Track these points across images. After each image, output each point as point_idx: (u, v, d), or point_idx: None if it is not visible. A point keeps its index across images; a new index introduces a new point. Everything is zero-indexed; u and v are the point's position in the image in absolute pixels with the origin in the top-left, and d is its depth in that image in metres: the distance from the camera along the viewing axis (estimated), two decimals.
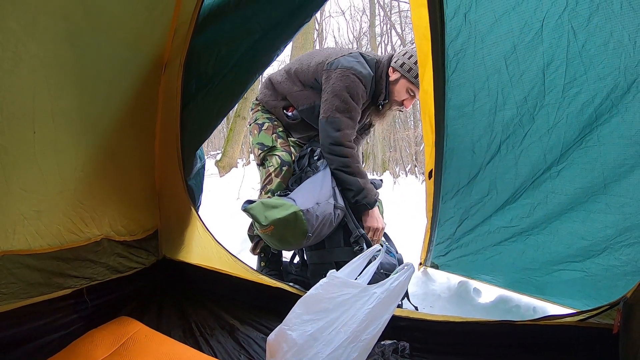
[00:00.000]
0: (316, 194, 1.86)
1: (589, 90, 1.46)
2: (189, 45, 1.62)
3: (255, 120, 2.30)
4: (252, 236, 2.31)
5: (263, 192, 2.26)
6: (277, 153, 2.19)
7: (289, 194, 1.91)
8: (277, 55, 1.64)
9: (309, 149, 2.17)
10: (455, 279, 2.34)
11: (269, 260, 2.25)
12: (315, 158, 2.10)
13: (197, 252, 2.00)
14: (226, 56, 1.64)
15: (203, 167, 1.92)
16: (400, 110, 2.32)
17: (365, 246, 1.89)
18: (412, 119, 17.62)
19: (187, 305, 1.87)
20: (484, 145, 1.81)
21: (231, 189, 5.76)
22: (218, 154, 10.27)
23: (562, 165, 1.64)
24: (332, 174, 2.02)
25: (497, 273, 2.13)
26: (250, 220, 2.32)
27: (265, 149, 2.27)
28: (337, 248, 1.96)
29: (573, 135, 1.56)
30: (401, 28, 17.38)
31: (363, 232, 1.93)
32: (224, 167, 7.74)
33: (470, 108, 1.75)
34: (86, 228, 1.59)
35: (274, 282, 1.82)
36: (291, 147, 2.31)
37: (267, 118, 2.28)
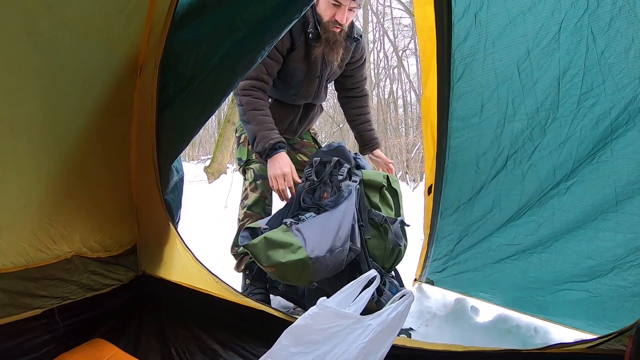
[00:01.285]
0: (332, 237, 1.58)
1: (606, 102, 1.33)
2: (165, 44, 1.43)
3: (235, 132, 2.24)
4: (235, 255, 2.15)
5: (240, 208, 2.15)
6: (251, 166, 2.08)
7: (300, 219, 1.67)
8: (263, 56, 1.44)
9: (337, 160, 1.88)
10: (451, 295, 2.17)
11: (255, 277, 2.06)
12: (340, 178, 1.82)
13: (177, 269, 1.82)
14: (207, 56, 1.45)
15: (181, 180, 1.74)
16: (338, 28, 1.99)
17: (376, 294, 1.66)
18: (403, 126, 17.63)
19: (167, 326, 1.69)
20: (490, 159, 1.65)
21: (219, 196, 5.52)
22: (208, 159, 10.13)
23: (571, 181, 1.51)
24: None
25: (497, 291, 1.97)
26: (232, 238, 2.18)
27: (242, 163, 2.20)
28: (340, 282, 1.69)
29: (586, 150, 1.42)
30: (394, 35, 17.44)
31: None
32: (212, 173, 7.56)
33: (476, 119, 1.59)
34: (54, 245, 1.42)
35: (258, 305, 1.65)
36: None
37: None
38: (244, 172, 2.18)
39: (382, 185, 1.84)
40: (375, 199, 1.85)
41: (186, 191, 1.81)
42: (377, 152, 2.40)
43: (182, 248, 1.75)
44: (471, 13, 1.41)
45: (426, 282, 2.30)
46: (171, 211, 1.69)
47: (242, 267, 2.09)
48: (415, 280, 2.34)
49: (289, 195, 1.92)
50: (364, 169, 1.92)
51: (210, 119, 1.62)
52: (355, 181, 1.81)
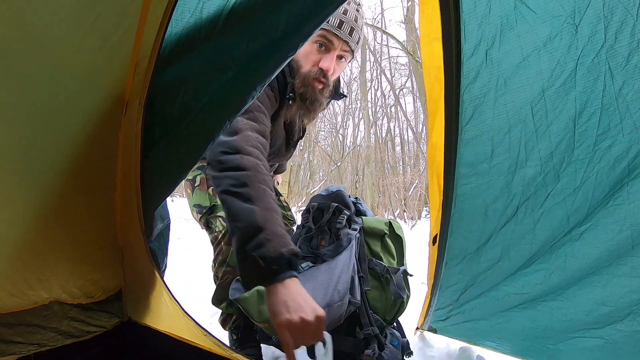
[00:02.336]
0: (330, 291, 1.45)
1: (623, 142, 1.23)
2: (151, 82, 1.28)
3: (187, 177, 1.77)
4: (220, 311, 1.87)
5: (217, 265, 1.78)
6: (219, 214, 1.73)
7: (301, 269, 1.49)
8: (253, 97, 1.25)
9: (335, 206, 1.74)
10: (455, 344, 2.00)
11: (241, 337, 1.85)
12: (339, 225, 1.69)
13: (164, 318, 1.67)
14: (194, 97, 1.30)
15: (167, 227, 1.59)
16: (320, 83, 1.60)
17: (377, 349, 1.52)
18: (401, 164, 17.74)
19: None
20: (499, 208, 1.54)
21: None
22: None
23: (585, 226, 1.39)
24: (222, 202, 1.29)
25: (504, 340, 1.82)
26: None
27: (204, 210, 1.80)
28: (338, 335, 1.57)
29: (602, 195, 1.31)
30: (391, 73, 17.84)
31: (377, 332, 1.55)
32: None
33: (486, 165, 1.47)
34: (30, 291, 1.29)
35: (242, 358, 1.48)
36: None
37: (198, 168, 1.84)
38: (207, 223, 1.80)
39: (383, 233, 1.70)
40: (377, 247, 1.71)
41: (181, 230, 1.71)
42: None
43: (168, 298, 1.59)
44: (482, 50, 1.31)
45: (428, 330, 2.19)
46: (156, 259, 1.53)
47: (229, 325, 1.86)
48: (417, 328, 2.22)
49: None
50: (364, 215, 1.78)
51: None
52: (355, 229, 1.67)
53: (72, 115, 1.26)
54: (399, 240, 1.76)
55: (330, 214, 1.75)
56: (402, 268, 1.64)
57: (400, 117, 18.98)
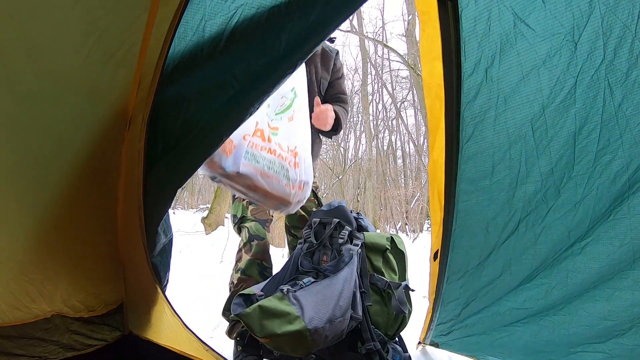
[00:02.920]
0: (331, 306, 1.46)
1: (624, 157, 1.22)
2: (154, 99, 1.31)
3: None
4: (227, 320, 1.95)
5: (234, 271, 1.97)
6: (246, 225, 1.91)
7: (298, 285, 1.54)
8: (252, 113, 1.30)
9: (337, 222, 1.76)
10: (458, 358, 1.98)
11: (247, 344, 1.87)
12: (340, 241, 1.70)
13: (166, 332, 1.66)
14: (196, 114, 1.34)
15: (170, 242, 1.59)
16: None
17: None
18: (402, 177, 17.73)
19: None
20: (500, 224, 1.52)
21: (215, 250, 5.31)
22: (207, 207, 10.02)
23: (586, 240, 1.38)
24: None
25: (507, 355, 1.79)
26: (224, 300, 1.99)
27: (236, 220, 2.02)
28: (340, 351, 1.61)
29: (602, 209, 1.30)
30: (392, 87, 17.92)
31: (379, 347, 1.55)
32: (210, 224, 7.40)
33: (487, 182, 1.47)
34: (33, 304, 1.29)
35: None
36: None
37: None
38: (239, 231, 1.99)
39: (385, 248, 1.69)
40: (378, 262, 1.70)
41: (182, 243, 1.70)
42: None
43: (170, 313, 1.59)
44: (482, 69, 1.31)
45: (430, 345, 2.17)
46: (158, 274, 1.53)
47: (235, 334, 1.95)
48: (419, 342, 2.21)
49: None
50: (366, 230, 1.78)
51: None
52: (357, 245, 1.66)
53: (75, 130, 1.27)
54: (400, 255, 1.75)
55: (332, 230, 1.75)
56: (403, 283, 1.63)
57: (401, 130, 19.05)
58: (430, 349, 2.19)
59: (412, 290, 1.67)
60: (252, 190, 1.56)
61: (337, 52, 2.18)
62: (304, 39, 1.20)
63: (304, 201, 1.73)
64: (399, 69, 17.74)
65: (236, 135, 1.41)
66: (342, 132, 2.17)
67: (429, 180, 1.64)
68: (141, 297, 1.64)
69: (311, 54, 1.28)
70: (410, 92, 17.56)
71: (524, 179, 1.41)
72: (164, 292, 1.56)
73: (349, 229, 1.72)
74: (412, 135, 17.50)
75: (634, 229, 1.30)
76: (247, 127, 1.44)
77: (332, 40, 2.15)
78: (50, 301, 1.36)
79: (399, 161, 19.42)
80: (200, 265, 4.27)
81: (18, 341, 1.31)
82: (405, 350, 1.73)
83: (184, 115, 1.34)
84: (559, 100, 1.26)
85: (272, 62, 1.26)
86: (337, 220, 1.75)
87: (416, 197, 13.25)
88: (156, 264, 1.49)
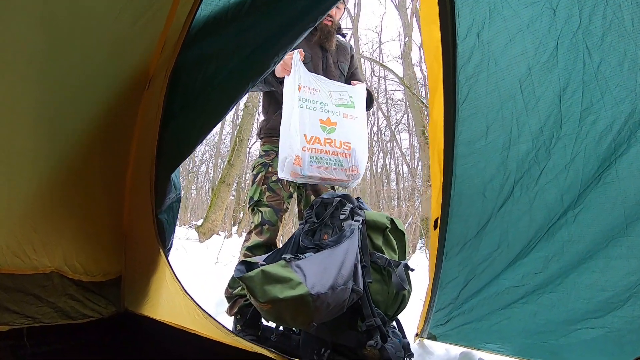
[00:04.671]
0: (334, 275, 1.44)
1: (607, 117, 1.32)
2: (177, 58, 1.41)
3: (252, 170, 2.16)
4: (229, 297, 1.99)
5: (242, 249, 2.08)
6: (260, 209, 2.02)
7: (299, 257, 1.52)
8: (270, 69, 1.40)
9: (339, 200, 1.79)
10: (455, 350, 1.98)
11: (247, 323, 1.89)
12: (342, 217, 1.72)
13: (163, 305, 1.65)
14: (215, 72, 1.42)
15: (178, 201, 1.62)
16: (329, 21, 2.20)
17: (380, 340, 1.50)
18: (396, 199, 17.75)
19: None
20: (496, 187, 1.59)
21: (210, 253, 5.31)
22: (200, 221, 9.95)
23: (579, 208, 1.45)
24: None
25: (506, 340, 1.81)
26: (226, 282, 2.05)
27: (252, 202, 2.12)
28: (339, 329, 1.59)
29: (591, 171, 1.39)
30: (387, 109, 18.14)
31: (380, 323, 1.54)
32: (204, 232, 7.34)
33: (482, 143, 1.55)
34: (34, 255, 1.29)
35: (252, 345, 1.45)
36: (292, 190, 2.10)
37: (262, 165, 2.14)
38: (252, 212, 2.10)
39: (385, 227, 1.72)
40: (379, 241, 1.72)
41: (176, 243, 1.71)
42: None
43: (170, 279, 1.59)
44: (474, 33, 1.44)
45: (428, 338, 2.14)
46: (163, 235, 1.55)
47: (235, 310, 1.93)
48: (416, 335, 2.17)
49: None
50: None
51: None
52: (358, 221, 1.70)
53: (96, 84, 1.35)
54: (400, 236, 1.77)
55: (334, 208, 1.74)
56: (403, 262, 1.64)
57: (395, 153, 19.17)
58: (427, 342, 2.18)
59: (412, 270, 1.70)
60: (323, 179, 1.96)
61: (351, 47, 2.42)
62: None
63: (359, 178, 2.06)
64: (394, 90, 18.02)
65: (298, 150, 1.82)
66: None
67: (429, 142, 1.74)
68: (141, 265, 1.67)
69: (331, 8, 1.45)
70: (405, 114, 17.77)
71: (516, 138, 1.51)
72: (166, 256, 1.54)
73: (351, 205, 1.71)
74: (407, 158, 17.61)
75: (622, 193, 1.38)
76: (300, 142, 1.84)
77: (344, 35, 2.37)
78: (51, 255, 1.37)
79: (393, 184, 19.46)
80: (194, 265, 4.20)
81: (13, 294, 1.30)
82: (404, 336, 1.71)
83: (203, 73, 1.45)
84: (543, 61, 1.38)
85: (290, 21, 1.37)
86: (339, 198, 1.74)
87: (409, 219, 13.19)
88: (162, 222, 1.51)
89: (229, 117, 19.98)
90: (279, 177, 1.91)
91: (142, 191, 1.50)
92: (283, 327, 1.85)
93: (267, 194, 2.02)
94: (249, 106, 7.85)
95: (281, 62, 1.85)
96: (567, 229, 1.51)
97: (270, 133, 2.17)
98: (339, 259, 1.51)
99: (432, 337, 2.11)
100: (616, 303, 1.47)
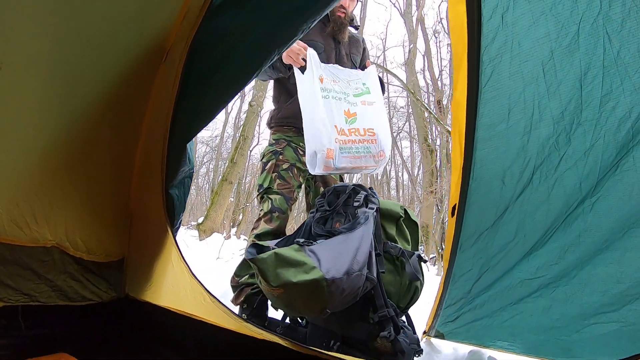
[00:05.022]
0: (349, 260, 1.37)
1: (626, 104, 1.31)
2: (198, 30, 1.39)
3: (262, 158, 2.14)
4: (235, 286, 1.95)
5: (250, 236, 2.02)
6: (270, 196, 1.99)
7: (312, 243, 1.46)
8: (303, 32, 1.35)
9: (352, 188, 1.75)
10: (464, 348, 1.95)
11: (253, 313, 1.83)
12: (356, 204, 1.67)
13: (167, 290, 1.57)
14: (236, 46, 1.39)
15: (190, 177, 1.56)
16: (342, 13, 2.24)
17: (393, 331, 1.44)
18: None
19: (147, 357, 1.44)
20: (516, 173, 1.57)
21: (211, 249, 5.29)
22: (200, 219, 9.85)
23: (596, 196, 1.43)
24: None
25: (517, 337, 1.78)
26: (228, 279, 2.02)
27: (262, 190, 2.09)
28: (349, 321, 1.53)
29: (610, 158, 1.37)
30: (389, 116, 18.11)
31: (393, 314, 1.48)
32: (205, 230, 7.24)
33: (503, 126, 1.53)
34: (35, 225, 1.21)
35: (261, 332, 1.37)
36: (301, 179, 2.09)
37: (273, 153, 2.12)
38: (261, 200, 2.07)
39: (399, 216, 1.69)
40: (392, 230, 1.68)
41: (177, 237, 1.64)
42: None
43: (176, 260, 1.51)
44: (498, 14, 1.43)
45: (435, 336, 2.08)
46: (172, 212, 1.49)
47: (242, 299, 1.87)
48: (424, 333, 2.11)
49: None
50: None
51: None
52: (372, 208, 1.65)
53: (118, 45, 1.29)
54: (413, 226, 1.73)
55: (347, 196, 1.68)
56: (416, 253, 1.59)
57: (396, 160, 19.14)
58: (435, 341, 2.13)
59: (425, 261, 1.62)
60: (354, 168, 1.94)
61: (363, 39, 2.47)
62: None
63: (386, 162, 2.06)
64: (397, 96, 18.03)
65: (330, 143, 1.78)
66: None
67: (451, 122, 1.71)
68: (146, 249, 1.59)
69: None
70: (407, 122, 17.76)
71: (537, 122, 1.49)
72: (174, 235, 1.47)
73: (365, 193, 1.64)
74: (407, 165, 17.59)
75: (639, 181, 1.36)
76: (332, 133, 1.80)
77: (356, 28, 2.42)
78: (53, 228, 1.31)
79: (393, 191, 19.44)
80: (195, 261, 4.12)
81: (10, 267, 1.22)
82: (414, 331, 1.64)
83: (222, 47, 1.43)
84: (565, 45, 1.38)
85: None
86: (353, 185, 1.67)
87: None
88: (172, 198, 1.44)
89: (232, 119, 19.98)
90: (312, 173, 1.87)
91: (153, 164, 1.45)
92: (290, 319, 1.77)
93: (278, 181, 2.00)
94: (253, 105, 7.80)
95: (288, 49, 1.87)
96: (584, 218, 1.49)
97: (282, 122, 2.16)
98: (354, 244, 1.46)
99: (440, 335, 2.07)
100: (631, 296, 1.44)
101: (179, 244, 1.50)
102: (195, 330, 1.50)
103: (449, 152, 13.39)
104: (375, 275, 1.46)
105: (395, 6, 16.04)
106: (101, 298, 1.52)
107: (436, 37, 15.58)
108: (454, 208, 1.76)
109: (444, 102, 12.21)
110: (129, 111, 1.42)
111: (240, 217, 14.11)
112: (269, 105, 14.43)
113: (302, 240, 1.44)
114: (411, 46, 12.42)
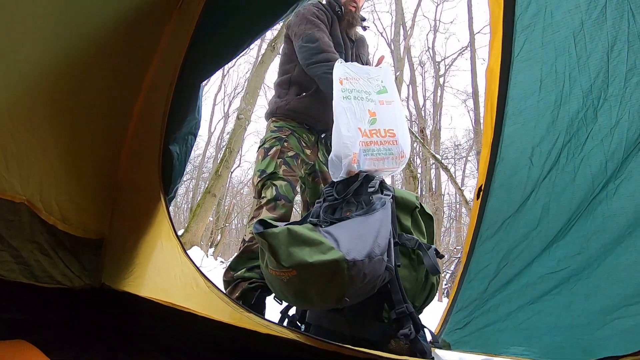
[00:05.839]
0: (370, 242, 1.20)
1: None
2: None
3: (263, 144, 1.97)
4: (229, 281, 1.71)
5: (248, 226, 1.82)
6: (275, 182, 1.82)
7: (323, 225, 1.30)
8: None
9: (365, 175, 1.59)
10: (471, 358, 1.77)
11: (252, 307, 1.62)
12: (370, 190, 1.51)
13: (152, 276, 1.33)
14: None
15: (195, 134, 1.36)
16: (353, 7, 2.28)
17: (413, 329, 1.26)
18: None
19: (122, 352, 1.22)
20: (545, 151, 1.52)
21: (194, 257, 5.02)
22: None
23: (620, 178, 1.39)
24: (319, 80, 2.02)
25: (533, 340, 1.64)
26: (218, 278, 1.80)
27: (264, 175, 1.93)
28: (361, 320, 1.34)
29: (634, 136, 1.34)
30: None
31: (412, 309, 1.31)
32: (185, 243, 6.95)
33: (534, 99, 1.49)
34: (5, 171, 0.99)
35: (268, 323, 1.17)
36: (303, 171, 1.97)
37: (277, 139, 2.01)
38: (261, 188, 1.88)
39: (415, 207, 1.55)
40: (407, 222, 1.53)
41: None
42: None
43: (167, 236, 1.28)
44: None
45: (441, 347, 1.90)
46: (169, 173, 1.27)
47: (237, 295, 1.64)
48: (429, 342, 1.92)
49: None
50: None
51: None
52: (388, 195, 1.51)
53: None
54: (428, 220, 1.59)
55: (359, 184, 1.51)
56: (433, 246, 1.45)
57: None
58: (441, 352, 1.97)
59: (441, 257, 1.49)
60: (377, 170, 1.77)
61: (365, 20, 2.50)
62: None
63: (406, 161, 1.92)
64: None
65: (355, 147, 1.67)
66: None
67: (485, 89, 1.65)
68: (134, 219, 1.36)
69: None
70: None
71: (567, 96, 1.47)
72: (167, 206, 1.26)
73: (379, 179, 1.49)
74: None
75: None
76: (357, 137, 1.70)
77: (365, 29, 2.46)
78: (25, 181, 1.09)
79: None
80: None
81: None
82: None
83: None
84: (594, 17, 1.38)
85: None
86: (365, 173, 1.49)
87: None
88: (172, 155, 1.22)
89: (214, 138, 19.77)
90: (333, 180, 1.72)
91: (156, 114, 1.22)
92: (288, 322, 1.55)
93: (283, 167, 1.85)
94: (241, 118, 7.63)
95: None
96: (608, 202, 1.45)
97: (288, 114, 2.06)
98: (375, 227, 1.30)
99: (446, 346, 1.91)
100: None
101: (171, 217, 1.28)
102: (183, 325, 1.26)
103: (432, 178, 13.45)
104: (394, 263, 1.30)
105: (382, 36, 16.34)
106: (73, 283, 1.29)
107: (422, 67, 15.86)
108: (480, 190, 1.67)
109: (427, 132, 12.32)
110: (132, 57, 1.24)
111: (219, 237, 13.70)
112: (255, 118, 14.38)
113: (315, 220, 1.25)
114: (397, 74, 12.55)
